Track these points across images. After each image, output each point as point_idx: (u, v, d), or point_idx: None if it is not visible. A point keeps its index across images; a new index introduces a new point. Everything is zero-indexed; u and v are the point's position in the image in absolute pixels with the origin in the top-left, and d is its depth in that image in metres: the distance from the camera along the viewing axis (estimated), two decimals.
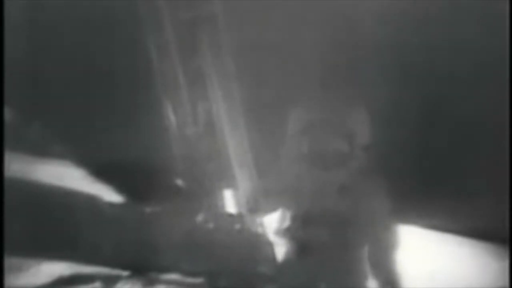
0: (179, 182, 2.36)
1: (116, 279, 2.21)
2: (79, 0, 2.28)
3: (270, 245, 2.29)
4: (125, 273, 2.22)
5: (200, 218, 2.30)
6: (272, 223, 2.28)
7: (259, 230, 2.29)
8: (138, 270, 2.23)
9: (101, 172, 2.36)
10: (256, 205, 2.30)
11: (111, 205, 2.33)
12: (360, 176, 2.20)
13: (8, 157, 2.09)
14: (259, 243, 2.28)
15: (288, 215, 2.26)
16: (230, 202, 2.31)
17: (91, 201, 2.30)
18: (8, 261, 2.00)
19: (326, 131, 2.19)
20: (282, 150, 2.25)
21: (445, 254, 2.27)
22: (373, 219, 2.22)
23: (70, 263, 2.19)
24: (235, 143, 2.24)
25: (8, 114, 2.18)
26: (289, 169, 2.25)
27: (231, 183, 2.28)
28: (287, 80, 2.26)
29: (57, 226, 2.16)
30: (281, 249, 2.26)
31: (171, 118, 2.29)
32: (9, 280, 2.04)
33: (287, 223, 2.25)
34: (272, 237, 2.28)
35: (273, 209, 2.29)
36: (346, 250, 2.20)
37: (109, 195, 2.34)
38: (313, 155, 2.19)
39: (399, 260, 2.18)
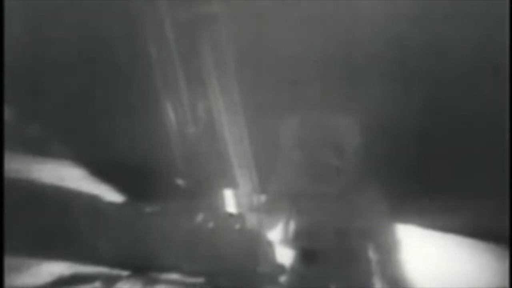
0: (179, 182, 2.36)
1: (116, 279, 2.21)
2: (78, 0, 2.28)
3: (270, 245, 2.29)
4: (125, 273, 2.22)
5: (200, 218, 2.30)
6: (276, 233, 2.29)
7: (259, 230, 2.29)
8: (138, 270, 2.23)
9: (101, 172, 2.36)
10: (257, 205, 2.30)
11: (111, 205, 2.33)
12: (357, 182, 2.22)
13: (8, 157, 2.09)
14: (259, 243, 2.28)
15: (291, 225, 2.27)
16: (230, 202, 2.31)
17: (91, 201, 2.30)
18: (8, 261, 2.00)
19: (316, 144, 2.22)
20: (278, 163, 2.28)
21: (445, 254, 2.27)
22: (375, 223, 2.24)
23: (70, 263, 2.20)
24: (235, 143, 2.24)
25: (8, 114, 2.18)
26: (288, 180, 2.27)
27: (231, 183, 2.28)
28: (287, 80, 2.26)
29: (57, 226, 2.16)
30: (286, 257, 2.27)
31: (171, 118, 2.29)
32: (9, 280, 2.04)
33: (291, 233, 2.26)
34: (272, 237, 2.29)
35: (276, 218, 2.30)
36: (351, 254, 2.21)
37: (109, 195, 2.34)
38: (306, 167, 2.22)
39: (403, 261, 2.19)
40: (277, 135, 2.29)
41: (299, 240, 2.26)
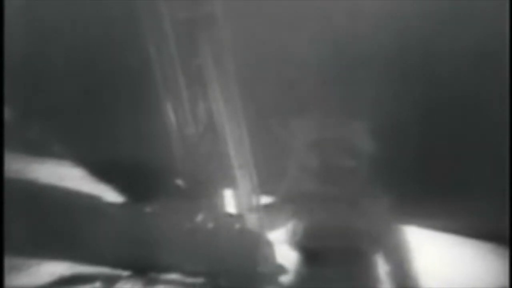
0: (179, 182, 2.36)
1: (116, 279, 2.21)
2: (79, 0, 2.28)
3: (270, 245, 2.29)
4: (125, 273, 2.23)
5: (200, 218, 2.30)
6: (283, 234, 2.29)
7: (259, 230, 2.29)
8: (138, 270, 2.23)
9: (101, 172, 2.36)
10: (257, 205, 2.30)
11: (111, 205, 2.33)
12: (367, 186, 2.22)
13: (8, 157, 2.09)
14: (259, 243, 2.28)
15: (299, 227, 2.27)
16: (230, 202, 2.31)
17: (91, 201, 2.30)
18: (8, 261, 2.01)
19: (333, 148, 2.22)
20: (289, 163, 2.28)
21: (445, 254, 2.26)
22: (380, 225, 2.24)
23: (70, 263, 2.20)
24: (235, 144, 2.24)
25: (8, 114, 2.19)
26: (298, 182, 2.28)
27: (231, 183, 2.28)
28: (287, 79, 2.26)
29: (57, 226, 2.17)
30: (291, 258, 2.27)
31: (171, 118, 2.29)
32: (9, 280, 2.05)
33: (299, 235, 2.26)
34: (275, 238, 2.29)
35: (283, 219, 2.30)
36: (359, 258, 2.21)
37: (109, 195, 2.35)
38: (321, 172, 2.23)
39: (407, 261, 2.19)
40: (280, 136, 2.30)
41: (305, 241, 2.26)
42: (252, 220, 2.28)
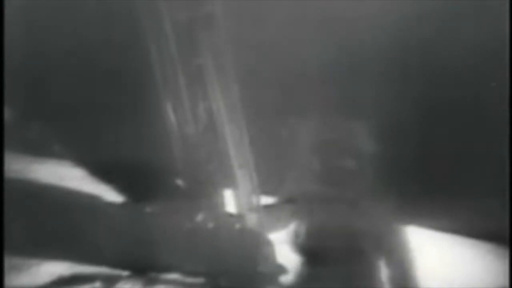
0: (179, 182, 2.36)
1: (116, 279, 2.21)
2: (79, 0, 2.28)
3: (270, 245, 2.29)
4: (125, 273, 2.23)
5: (200, 218, 2.30)
6: (284, 235, 2.29)
7: (259, 230, 2.29)
8: (138, 270, 2.23)
9: (101, 172, 2.36)
10: (257, 205, 2.30)
11: (111, 205, 2.33)
12: (368, 187, 2.22)
13: (8, 157, 2.09)
14: (260, 243, 2.28)
15: (300, 227, 2.27)
16: (230, 202, 2.31)
17: (91, 201, 2.30)
18: (8, 261, 2.01)
19: (333, 149, 2.23)
20: (289, 163, 2.28)
21: (445, 254, 2.26)
22: (385, 227, 2.24)
23: (70, 263, 2.20)
24: (235, 143, 2.24)
25: (8, 114, 2.19)
26: (298, 182, 2.28)
27: (231, 183, 2.27)
28: (287, 79, 2.26)
29: (57, 226, 2.17)
30: (293, 258, 2.27)
31: (171, 118, 2.29)
32: (9, 280, 2.05)
33: (299, 235, 2.26)
34: (275, 238, 2.29)
35: (285, 221, 2.30)
36: (360, 258, 2.21)
37: (109, 195, 2.35)
38: (321, 172, 2.23)
39: (408, 261, 2.19)
40: (280, 136, 2.30)
41: (306, 242, 2.26)
42: (252, 220, 2.28)
